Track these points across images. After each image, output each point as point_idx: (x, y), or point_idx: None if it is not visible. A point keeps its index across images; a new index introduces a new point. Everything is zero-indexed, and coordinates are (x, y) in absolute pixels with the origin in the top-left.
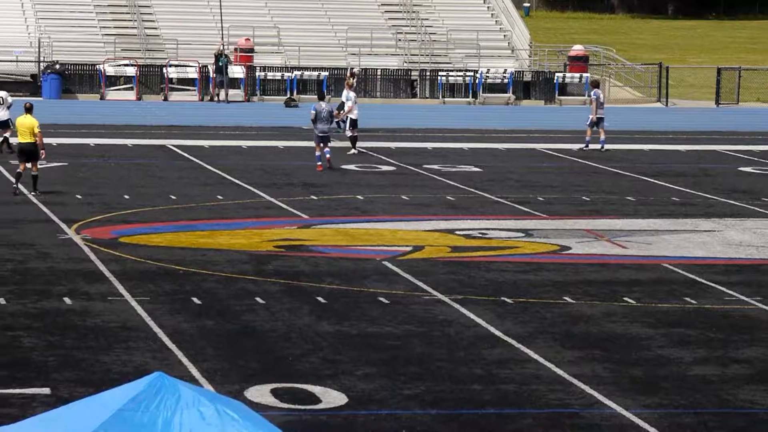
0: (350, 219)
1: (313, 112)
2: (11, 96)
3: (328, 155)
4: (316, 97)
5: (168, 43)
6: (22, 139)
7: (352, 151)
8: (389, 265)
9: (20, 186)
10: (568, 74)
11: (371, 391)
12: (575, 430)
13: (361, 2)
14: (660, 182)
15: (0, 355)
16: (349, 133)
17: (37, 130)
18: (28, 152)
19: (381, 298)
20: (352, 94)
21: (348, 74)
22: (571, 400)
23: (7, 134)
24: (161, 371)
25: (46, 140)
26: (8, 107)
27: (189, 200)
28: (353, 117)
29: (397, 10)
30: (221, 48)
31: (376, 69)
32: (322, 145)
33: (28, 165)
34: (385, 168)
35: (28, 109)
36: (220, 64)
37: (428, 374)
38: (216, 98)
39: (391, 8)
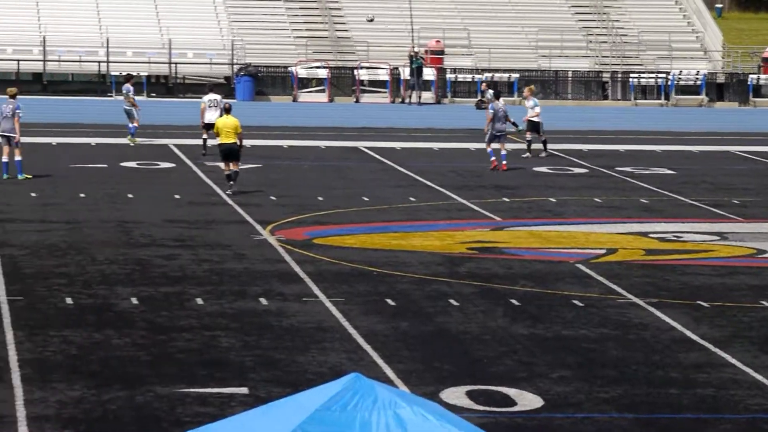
0: (543, 221)
1: (491, 111)
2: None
3: (493, 158)
4: (508, 99)
5: (359, 46)
6: (225, 139)
7: (543, 153)
8: (583, 267)
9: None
10: (762, 76)
11: (567, 394)
12: None
13: (552, 4)
14: None
15: (198, 355)
16: (528, 137)
17: (239, 130)
18: (231, 152)
19: (575, 301)
20: (532, 101)
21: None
22: None
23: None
24: (357, 372)
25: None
26: (220, 109)
27: (382, 202)
28: (537, 120)
29: (587, 12)
30: (415, 50)
31: (567, 71)
32: (497, 143)
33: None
34: (577, 170)
35: (228, 110)
36: (414, 66)
37: (624, 378)
38: (408, 100)
39: (582, 9)
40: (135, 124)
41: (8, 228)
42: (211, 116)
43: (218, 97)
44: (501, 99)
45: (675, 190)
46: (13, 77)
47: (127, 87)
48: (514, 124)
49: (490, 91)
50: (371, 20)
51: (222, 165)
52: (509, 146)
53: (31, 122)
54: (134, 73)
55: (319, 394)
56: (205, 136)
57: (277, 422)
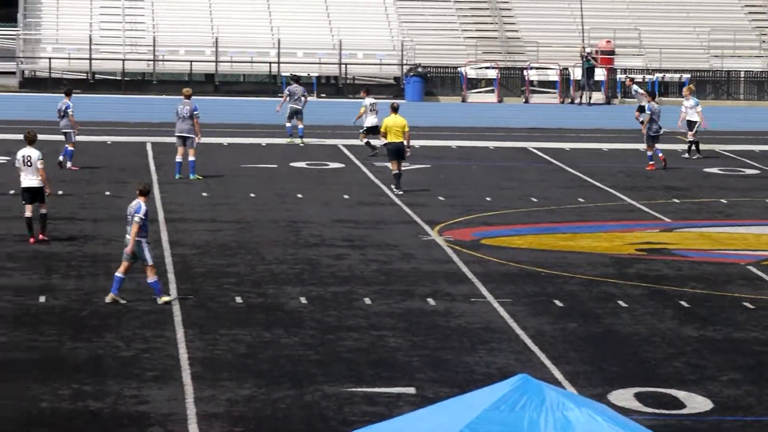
0: (713, 222)
1: (648, 113)
2: (376, 99)
3: (660, 154)
4: (679, 99)
5: (528, 46)
6: (394, 138)
7: (697, 155)
8: (754, 269)
9: (393, 186)
10: None
11: (737, 397)
12: None
13: (724, 3)
14: None
15: (366, 355)
16: (690, 137)
17: (406, 129)
18: (399, 151)
19: (746, 303)
20: (693, 100)
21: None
22: None
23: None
24: (525, 373)
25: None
26: (377, 112)
27: (550, 202)
28: (694, 120)
29: (760, 11)
30: (586, 50)
31: (739, 71)
32: (653, 144)
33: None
34: (749, 171)
35: (396, 109)
36: (585, 66)
37: None
38: (578, 100)
39: (755, 9)
40: (301, 126)
41: (180, 227)
42: (373, 120)
43: (372, 100)
44: (656, 99)
45: None
46: (186, 78)
47: (296, 87)
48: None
49: (635, 87)
50: None
51: (390, 165)
52: (668, 147)
53: (203, 123)
54: (304, 74)
55: (487, 395)
56: (365, 139)
57: (445, 422)
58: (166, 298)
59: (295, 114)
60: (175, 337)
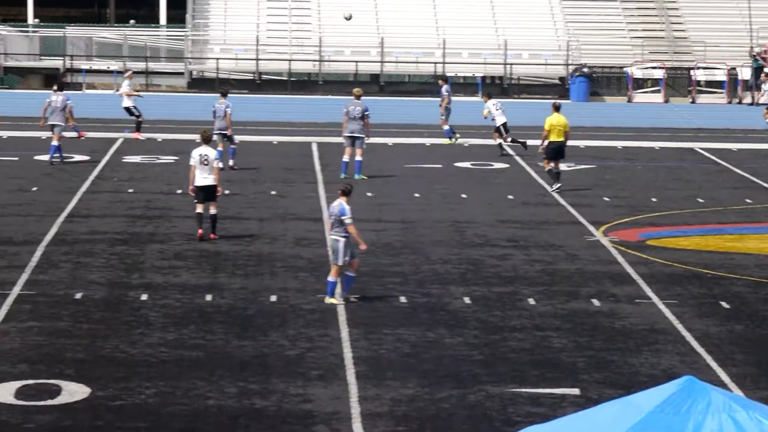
0: None
1: None
2: (540, 99)
3: None
4: None
5: (696, 45)
6: (555, 137)
7: None
8: None
9: (550, 184)
10: None
11: None
12: None
13: None
14: None
15: (530, 355)
16: None
17: (567, 128)
18: (560, 150)
19: None
20: None
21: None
22: None
23: (500, 139)
24: (691, 375)
25: (572, 142)
26: (504, 111)
27: (716, 203)
28: None
29: None
30: (755, 50)
31: None
32: None
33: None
34: None
35: (558, 108)
36: (755, 66)
37: None
38: (747, 100)
39: None
40: (447, 126)
41: None
42: (501, 119)
43: (496, 101)
44: None
45: None
46: (351, 78)
47: (447, 88)
48: None
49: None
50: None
51: (543, 163)
52: None
53: (371, 123)
54: (469, 74)
55: (652, 397)
56: (499, 140)
57: (609, 423)
58: (333, 300)
59: (448, 114)
60: (340, 336)
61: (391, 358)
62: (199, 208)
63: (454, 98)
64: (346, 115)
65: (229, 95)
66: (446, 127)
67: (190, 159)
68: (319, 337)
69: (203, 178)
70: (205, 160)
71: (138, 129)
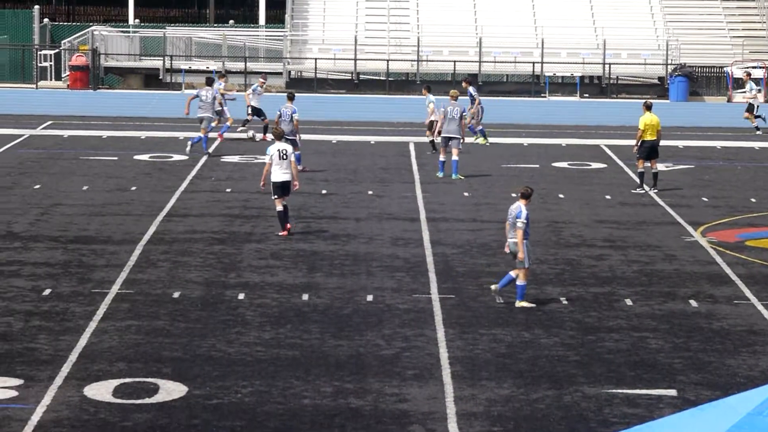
0: None
1: None
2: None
3: None
4: None
5: None
6: (650, 137)
7: None
8: None
9: (645, 187)
10: None
11: None
12: None
13: None
14: None
15: (627, 356)
16: None
17: (659, 128)
18: (654, 149)
19: None
20: None
21: None
22: None
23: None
24: None
25: (671, 142)
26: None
27: None
28: None
29: None
30: None
31: None
32: None
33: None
34: None
35: (649, 107)
36: None
37: None
38: None
39: None
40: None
41: (441, 227)
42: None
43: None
44: None
45: None
46: (449, 78)
47: (473, 90)
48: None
49: None
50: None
51: (637, 163)
52: None
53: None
54: (567, 74)
55: (750, 399)
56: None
57: (707, 425)
58: (524, 304)
59: (481, 113)
60: (436, 336)
61: (486, 358)
62: (279, 205)
63: (553, 98)
64: (443, 115)
65: (295, 99)
66: (480, 127)
67: (267, 155)
68: (414, 337)
69: (282, 173)
70: (284, 154)
71: (265, 131)
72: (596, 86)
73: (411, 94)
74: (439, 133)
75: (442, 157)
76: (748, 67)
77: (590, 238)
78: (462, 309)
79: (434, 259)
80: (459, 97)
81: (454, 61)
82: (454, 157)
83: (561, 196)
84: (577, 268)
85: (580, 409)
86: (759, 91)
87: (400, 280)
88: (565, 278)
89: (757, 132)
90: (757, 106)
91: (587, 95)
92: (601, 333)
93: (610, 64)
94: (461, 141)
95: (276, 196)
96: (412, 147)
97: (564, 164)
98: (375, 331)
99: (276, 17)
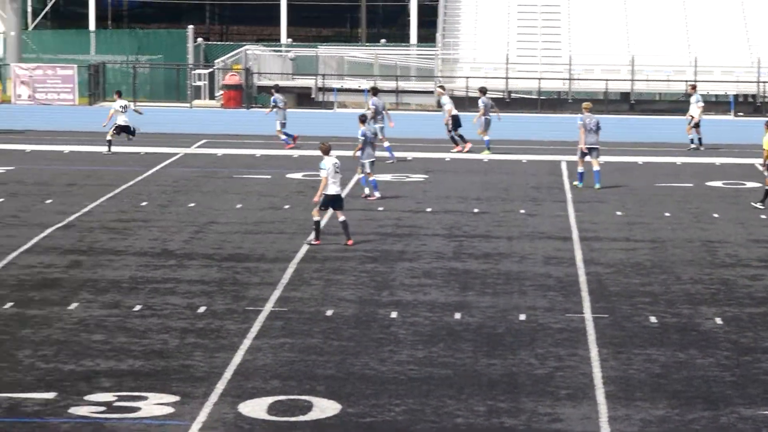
0: None
1: None
2: None
3: None
4: None
5: None
6: None
7: None
8: None
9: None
10: None
11: None
12: None
13: None
14: None
15: None
16: None
17: None
18: None
19: None
20: None
21: None
22: None
23: None
24: None
25: None
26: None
27: None
28: None
29: None
30: None
31: None
32: None
33: None
34: None
35: None
36: None
37: None
38: None
39: None
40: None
41: (594, 246)
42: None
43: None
44: None
45: None
46: (600, 97)
47: (484, 100)
48: None
49: None
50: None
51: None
52: None
53: (616, 141)
54: (721, 92)
55: None
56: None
57: None
58: None
59: (487, 125)
60: (589, 355)
61: (641, 378)
62: (318, 216)
63: (705, 117)
64: (584, 128)
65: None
66: (486, 138)
67: (322, 170)
68: (568, 356)
69: (336, 186)
70: (338, 168)
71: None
72: (750, 104)
73: (563, 113)
74: (588, 148)
75: (580, 168)
76: None
77: (745, 257)
78: (615, 329)
79: (587, 279)
80: (607, 114)
81: (606, 80)
82: (596, 168)
83: (715, 215)
84: (733, 288)
85: (737, 430)
86: None
87: (553, 299)
88: (719, 298)
89: None
90: None
91: (741, 114)
92: (757, 353)
93: (764, 82)
94: (599, 151)
95: (323, 207)
96: (564, 166)
97: (718, 183)
98: (528, 350)
99: (427, 36)
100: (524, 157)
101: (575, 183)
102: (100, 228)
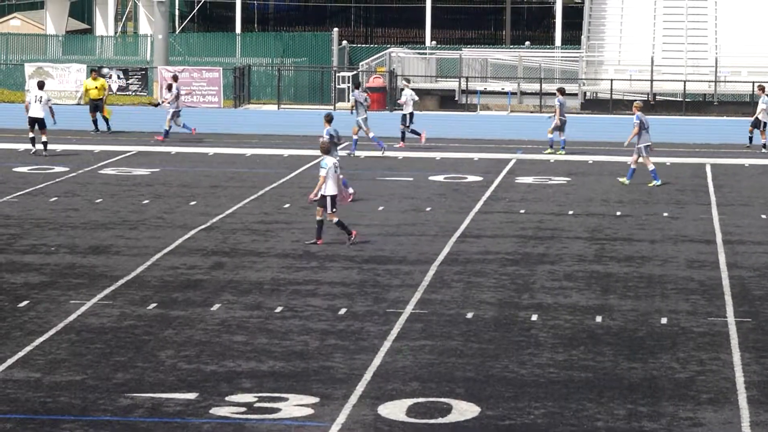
0: None
1: None
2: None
3: None
4: None
5: None
6: None
7: None
8: None
9: None
10: None
11: None
12: None
13: None
14: None
15: None
16: None
17: None
18: None
19: None
20: None
21: None
22: None
23: None
24: None
25: None
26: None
27: None
28: None
29: None
30: None
31: None
32: None
33: None
34: None
35: None
36: None
37: None
38: None
39: None
40: (557, 136)
41: (738, 250)
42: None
43: None
44: None
45: None
46: (747, 99)
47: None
48: None
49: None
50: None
51: None
52: None
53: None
54: None
55: None
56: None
57: None
58: None
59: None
60: (732, 359)
61: None
62: (320, 216)
63: None
64: (640, 126)
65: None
66: (557, 137)
67: (322, 169)
68: (710, 361)
69: (335, 186)
70: (337, 168)
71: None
72: None
73: (708, 115)
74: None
75: (633, 165)
76: None
77: None
78: (759, 333)
79: (730, 282)
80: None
81: (753, 82)
82: (651, 166)
83: None
84: None
85: None
86: None
87: (695, 303)
88: None
89: None
90: None
91: None
92: None
93: None
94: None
95: (321, 206)
96: (708, 168)
97: None
98: (669, 354)
99: (572, 38)
100: (668, 160)
101: (623, 180)
102: (242, 229)
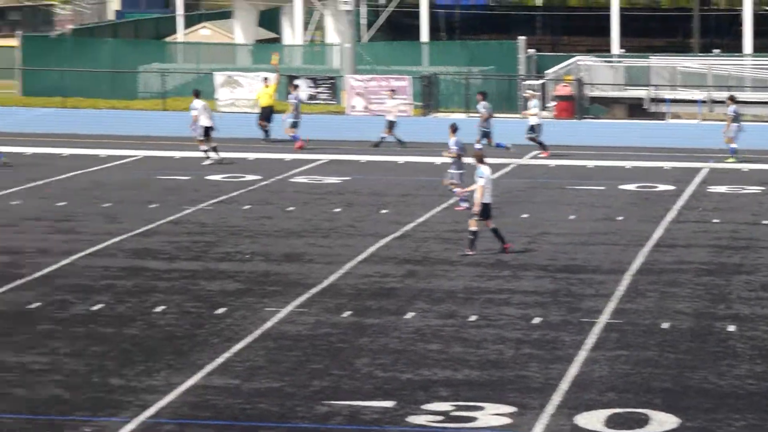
0: None
1: None
2: None
3: None
4: None
5: None
6: None
7: None
8: None
9: None
10: None
11: None
12: None
13: None
14: None
15: None
16: None
17: None
18: None
19: None
20: None
21: None
22: None
23: None
24: None
25: None
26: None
27: None
28: None
29: None
30: None
31: None
32: None
33: None
34: None
35: None
36: None
37: None
38: None
39: None
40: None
41: None
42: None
43: None
44: None
45: None
46: None
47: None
48: None
49: None
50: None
51: None
52: None
53: None
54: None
55: None
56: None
57: None
58: None
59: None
60: None
61: None
62: (476, 226)
63: None
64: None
65: None
66: (733, 146)
67: (480, 179)
68: None
69: (489, 195)
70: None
71: None
72: None
73: None
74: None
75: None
76: None
77: None
78: None
79: None
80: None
81: None
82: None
83: None
84: None
85: None
86: None
87: None
88: None
89: None
90: None
91: None
92: None
93: None
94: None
95: (483, 218)
96: None
97: None
98: None
99: (763, 46)
100: None
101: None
102: (434, 238)
